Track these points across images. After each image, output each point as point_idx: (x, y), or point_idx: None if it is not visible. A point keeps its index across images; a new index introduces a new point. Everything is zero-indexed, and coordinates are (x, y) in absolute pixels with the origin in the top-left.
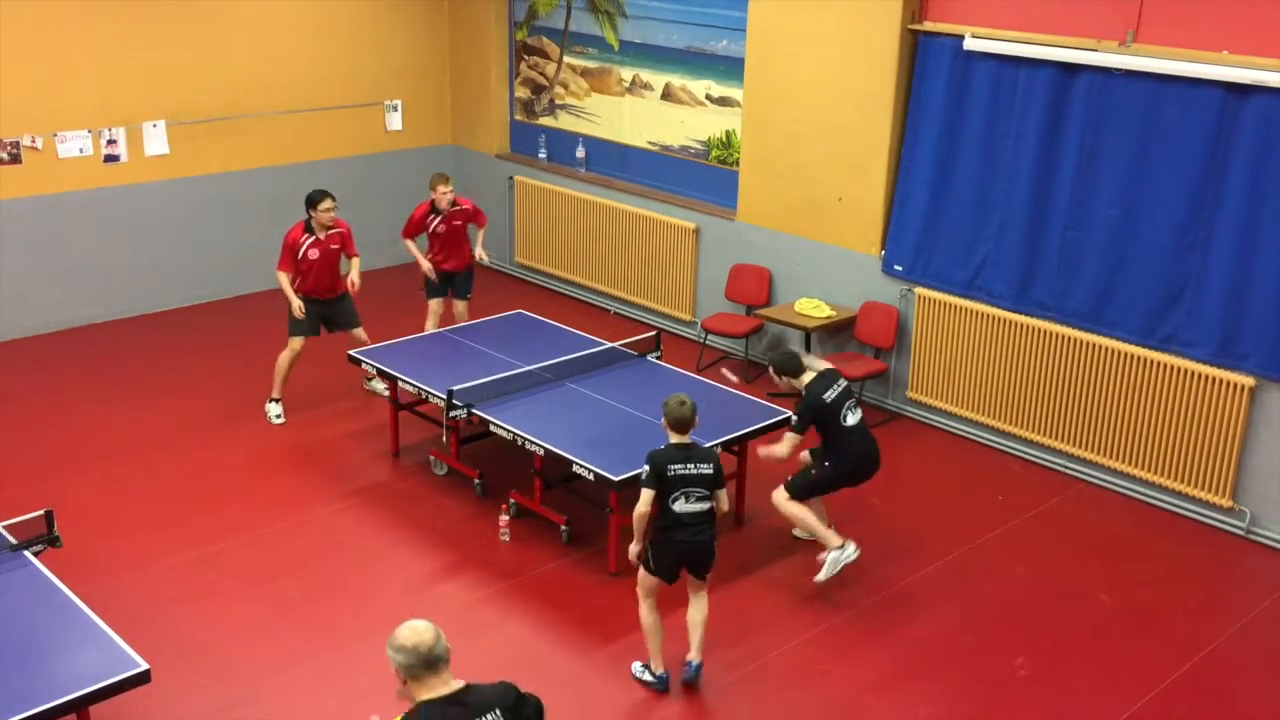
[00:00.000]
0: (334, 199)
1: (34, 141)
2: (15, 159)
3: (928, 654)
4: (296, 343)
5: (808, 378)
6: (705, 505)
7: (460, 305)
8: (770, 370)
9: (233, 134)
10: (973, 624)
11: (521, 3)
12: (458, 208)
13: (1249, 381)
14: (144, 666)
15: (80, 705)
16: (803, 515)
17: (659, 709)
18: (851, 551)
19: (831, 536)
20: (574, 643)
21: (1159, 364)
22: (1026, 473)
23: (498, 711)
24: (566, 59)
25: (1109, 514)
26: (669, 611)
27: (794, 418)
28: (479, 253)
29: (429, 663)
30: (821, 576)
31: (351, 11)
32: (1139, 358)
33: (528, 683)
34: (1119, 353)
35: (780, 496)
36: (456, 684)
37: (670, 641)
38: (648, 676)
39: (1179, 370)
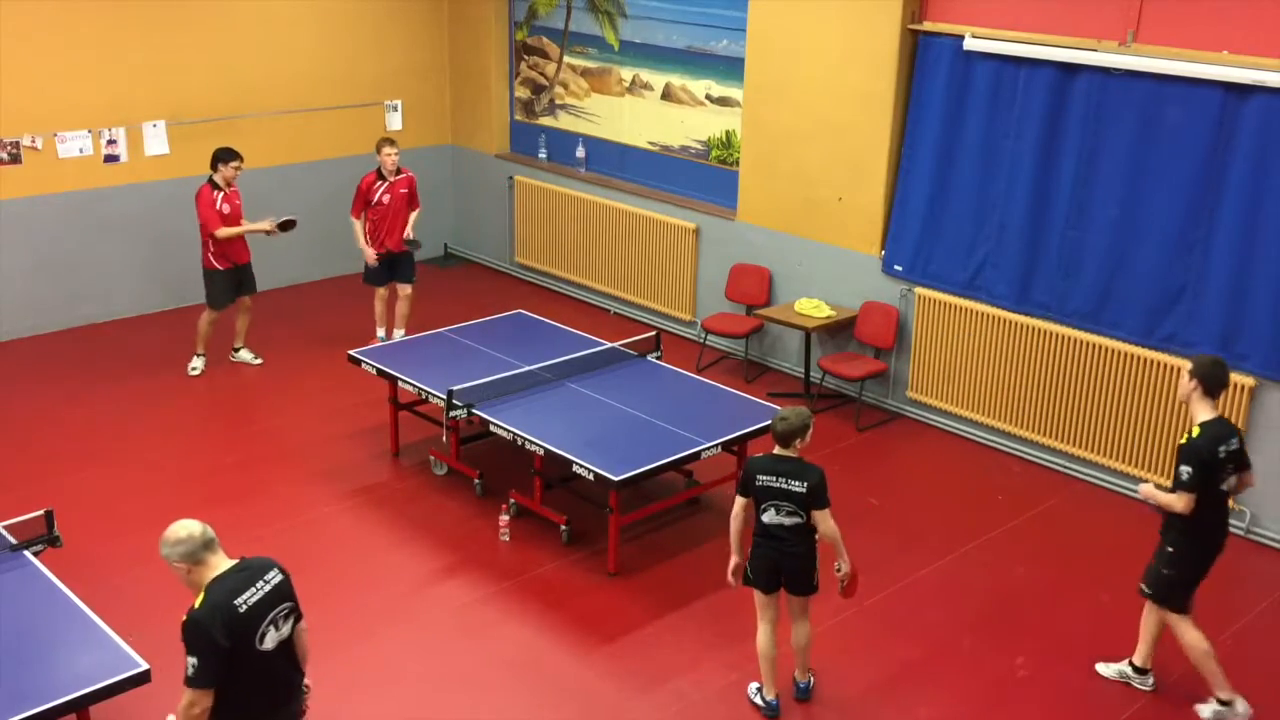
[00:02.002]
0: (240, 159)
1: (34, 141)
2: (15, 159)
3: (928, 654)
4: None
5: (1209, 412)
6: (795, 520)
7: (404, 289)
8: (1190, 369)
9: (233, 134)
10: (973, 624)
11: (521, 3)
12: (402, 175)
13: (1249, 381)
14: (144, 666)
15: (80, 705)
16: (1198, 645)
17: (658, 710)
18: (1242, 712)
19: (1222, 683)
20: (574, 643)
21: (1159, 364)
22: (1026, 473)
23: (276, 570)
24: (566, 59)
25: (1109, 514)
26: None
27: (1184, 470)
28: (408, 232)
29: (206, 543)
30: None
31: (351, 11)
32: (1139, 358)
33: (528, 683)
34: (1119, 353)
35: (1175, 623)
36: (233, 560)
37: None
38: (758, 700)
39: (1179, 370)
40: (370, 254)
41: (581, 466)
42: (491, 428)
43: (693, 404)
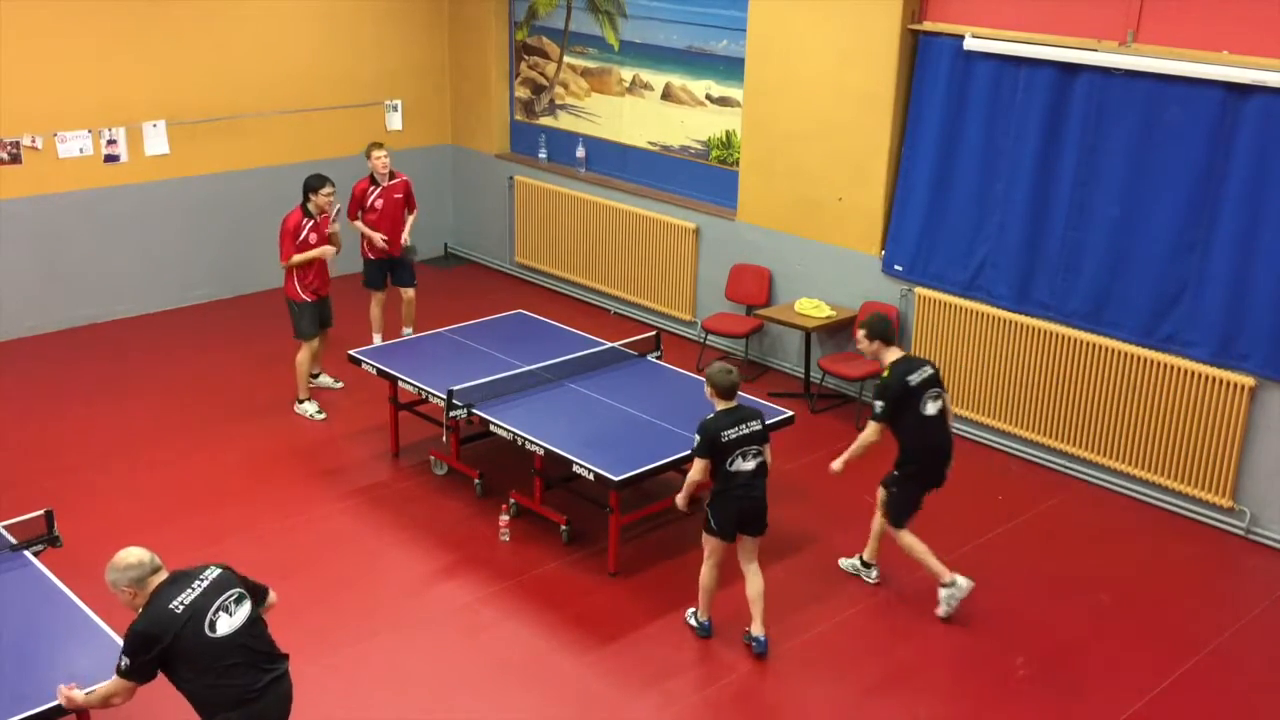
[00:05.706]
0: (333, 185)
1: (34, 141)
2: (15, 159)
3: (928, 654)
4: (314, 344)
5: (894, 354)
6: (758, 460)
7: (407, 293)
8: (859, 334)
9: (233, 134)
10: (973, 624)
11: (521, 3)
12: (396, 180)
13: (1249, 381)
14: None
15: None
16: (916, 546)
17: (658, 710)
18: (964, 585)
19: (942, 571)
20: (574, 643)
21: (1159, 364)
22: (1026, 473)
23: (214, 568)
24: (566, 59)
25: (1109, 514)
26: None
27: (876, 404)
28: (405, 237)
29: (155, 569)
30: (942, 612)
31: (351, 11)
32: (1139, 358)
33: (528, 683)
34: (1119, 353)
35: (897, 536)
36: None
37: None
38: (692, 622)
39: (1179, 370)
40: (377, 238)
41: (581, 466)
42: (491, 428)
43: (693, 404)
